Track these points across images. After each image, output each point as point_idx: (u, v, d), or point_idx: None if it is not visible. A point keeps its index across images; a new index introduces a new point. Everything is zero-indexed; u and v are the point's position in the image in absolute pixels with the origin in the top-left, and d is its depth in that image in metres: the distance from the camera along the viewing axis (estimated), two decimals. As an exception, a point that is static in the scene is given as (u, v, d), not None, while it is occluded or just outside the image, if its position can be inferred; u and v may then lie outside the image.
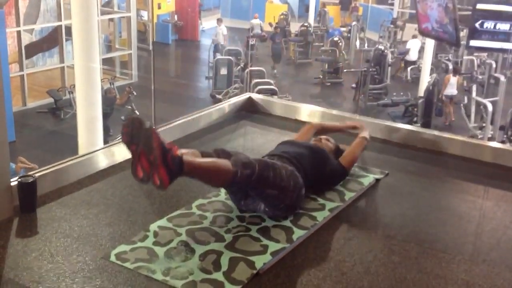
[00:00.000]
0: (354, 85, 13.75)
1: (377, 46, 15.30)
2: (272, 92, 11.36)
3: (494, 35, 7.87)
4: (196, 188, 2.92)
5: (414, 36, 15.29)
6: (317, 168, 2.75)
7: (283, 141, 3.03)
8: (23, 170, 7.81)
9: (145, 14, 17.92)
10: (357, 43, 17.32)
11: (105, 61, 14.14)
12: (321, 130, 3.29)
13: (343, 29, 18.49)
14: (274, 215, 2.54)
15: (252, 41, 16.04)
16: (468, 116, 11.09)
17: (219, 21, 16.28)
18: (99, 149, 3.27)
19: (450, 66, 13.16)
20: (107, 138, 9.91)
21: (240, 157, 2.40)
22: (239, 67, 14.15)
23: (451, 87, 12.22)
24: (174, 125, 3.63)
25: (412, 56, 15.08)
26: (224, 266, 2.19)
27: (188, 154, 2.36)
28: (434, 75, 12.65)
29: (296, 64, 16.88)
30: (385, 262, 2.32)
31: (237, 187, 2.50)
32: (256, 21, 17.81)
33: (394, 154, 3.56)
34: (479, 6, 7.89)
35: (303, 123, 3.74)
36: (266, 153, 2.83)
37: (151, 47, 16.68)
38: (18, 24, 12.43)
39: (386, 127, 3.80)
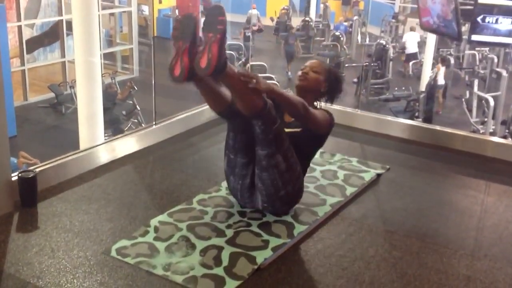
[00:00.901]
0: (355, 80, 13.72)
1: (378, 40, 15.26)
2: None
3: (496, 29, 7.84)
4: (197, 183, 2.93)
5: (411, 29, 15.22)
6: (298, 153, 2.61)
7: None
8: (25, 165, 7.82)
9: (146, 9, 17.88)
10: (359, 37, 17.27)
11: (106, 56, 14.11)
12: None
13: (345, 23, 18.43)
14: (273, 208, 2.51)
15: (248, 33, 16.13)
16: (470, 110, 11.06)
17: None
18: (100, 144, 3.27)
19: (452, 61, 13.13)
20: (120, 126, 9.92)
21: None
22: (240, 61, 14.12)
23: (440, 77, 12.46)
24: (176, 120, 3.63)
25: (411, 48, 14.97)
26: (225, 261, 2.19)
27: None
28: (436, 69, 12.63)
29: (298, 58, 16.85)
30: (386, 257, 2.32)
31: (260, 122, 2.35)
32: (253, 11, 18.04)
33: (396, 149, 3.55)
34: (481, 0, 7.86)
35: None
36: None
37: (151, 42, 16.65)
38: (19, 19, 12.40)
39: (388, 122, 3.79)
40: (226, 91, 2.41)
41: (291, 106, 2.40)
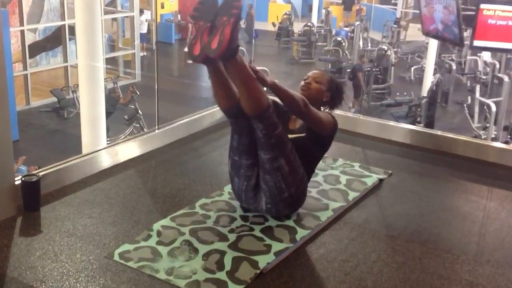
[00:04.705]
0: (357, 85, 13.71)
1: (380, 46, 15.28)
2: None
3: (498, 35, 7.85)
4: (199, 187, 2.93)
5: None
6: (306, 156, 2.62)
7: None
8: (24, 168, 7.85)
9: (148, 14, 17.94)
10: (360, 43, 17.29)
11: (109, 61, 14.14)
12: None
13: (346, 28, 18.47)
14: (277, 210, 2.53)
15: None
16: (472, 116, 11.06)
17: (141, 12, 16.78)
18: (103, 149, 3.28)
19: (454, 67, 13.13)
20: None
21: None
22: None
23: None
24: (178, 125, 3.64)
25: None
26: (228, 266, 2.19)
27: None
28: (438, 75, 12.63)
29: (300, 63, 16.88)
30: (388, 262, 2.32)
31: (262, 125, 2.37)
32: None
33: (398, 154, 3.56)
34: (483, 6, 7.87)
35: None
36: None
37: (154, 47, 16.71)
38: (21, 24, 12.44)
39: (390, 127, 3.80)
40: (236, 89, 2.41)
41: (292, 101, 2.44)
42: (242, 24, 18.66)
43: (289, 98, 2.43)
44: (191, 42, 2.24)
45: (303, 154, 2.53)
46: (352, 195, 2.84)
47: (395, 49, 15.99)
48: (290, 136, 2.54)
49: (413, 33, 16.26)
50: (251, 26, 18.58)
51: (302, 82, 2.77)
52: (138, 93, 10.82)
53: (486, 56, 13.04)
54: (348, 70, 14.88)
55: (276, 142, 2.40)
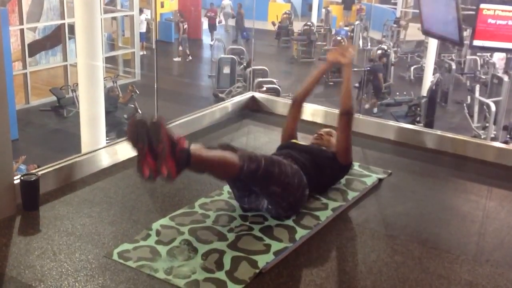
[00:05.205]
0: (357, 85, 13.73)
1: (380, 45, 15.28)
2: (274, 90, 11.33)
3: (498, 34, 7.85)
4: (199, 186, 2.93)
5: None
6: (319, 171, 2.73)
7: (282, 145, 3.01)
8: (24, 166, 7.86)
9: (148, 13, 17.95)
10: (360, 42, 17.30)
11: (108, 60, 14.14)
12: (304, 97, 3.18)
13: (346, 28, 18.47)
14: (277, 213, 2.54)
15: (185, 25, 16.92)
16: (471, 116, 11.07)
17: (141, 11, 16.86)
18: (102, 148, 3.27)
19: (454, 66, 13.14)
20: (124, 128, 9.95)
21: (246, 152, 2.42)
22: (242, 66, 14.14)
23: None
24: (177, 124, 3.63)
25: None
26: (227, 265, 2.19)
27: (195, 147, 2.34)
28: (437, 74, 12.64)
29: (299, 63, 16.88)
30: (388, 262, 2.31)
31: (242, 182, 2.49)
32: (226, 2, 19.58)
33: (397, 154, 3.55)
34: (483, 5, 7.87)
35: (306, 122, 3.74)
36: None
37: (154, 46, 16.72)
38: (21, 22, 12.45)
39: (389, 127, 3.79)
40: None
41: (350, 93, 2.84)
42: (233, 22, 18.80)
43: (350, 88, 2.85)
44: (139, 166, 2.16)
45: (315, 165, 2.70)
46: (352, 195, 2.84)
47: (395, 49, 16.00)
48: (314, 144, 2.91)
49: (413, 32, 16.26)
50: (241, 26, 18.64)
51: (315, 134, 3.04)
52: (138, 92, 10.83)
53: (496, 57, 12.77)
54: (355, 70, 14.89)
55: (261, 178, 2.41)
